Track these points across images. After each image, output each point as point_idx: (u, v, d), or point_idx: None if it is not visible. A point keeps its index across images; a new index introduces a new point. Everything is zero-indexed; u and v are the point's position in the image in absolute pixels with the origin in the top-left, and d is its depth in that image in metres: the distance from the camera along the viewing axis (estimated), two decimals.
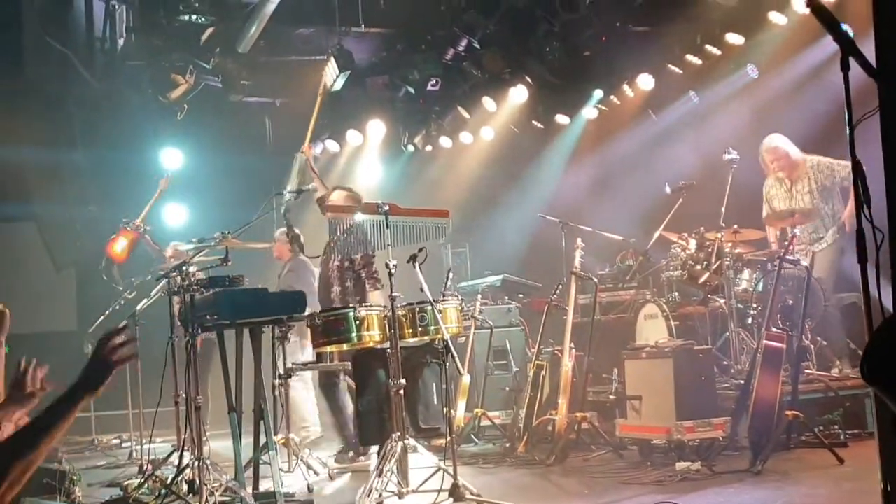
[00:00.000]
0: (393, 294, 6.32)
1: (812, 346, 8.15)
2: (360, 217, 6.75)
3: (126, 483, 7.21)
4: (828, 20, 3.88)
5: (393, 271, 6.33)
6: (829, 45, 8.40)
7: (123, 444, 10.47)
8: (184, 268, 6.51)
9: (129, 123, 11.71)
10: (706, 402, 7.22)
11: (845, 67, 3.88)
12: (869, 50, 3.84)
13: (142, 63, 11.14)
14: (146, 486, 6.96)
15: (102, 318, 9.86)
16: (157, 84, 11.11)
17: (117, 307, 9.54)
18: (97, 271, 11.04)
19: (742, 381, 7.24)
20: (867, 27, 3.95)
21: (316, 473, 7.53)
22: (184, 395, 7.00)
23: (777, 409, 6.70)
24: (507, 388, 9.30)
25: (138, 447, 8.92)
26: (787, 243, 7.40)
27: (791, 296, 8.10)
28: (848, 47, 3.85)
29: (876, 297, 3.73)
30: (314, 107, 10.27)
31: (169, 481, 6.58)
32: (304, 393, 9.57)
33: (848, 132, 3.88)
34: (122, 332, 2.89)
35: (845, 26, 3.93)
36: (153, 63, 11.03)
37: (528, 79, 11.39)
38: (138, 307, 8.68)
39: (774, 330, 6.94)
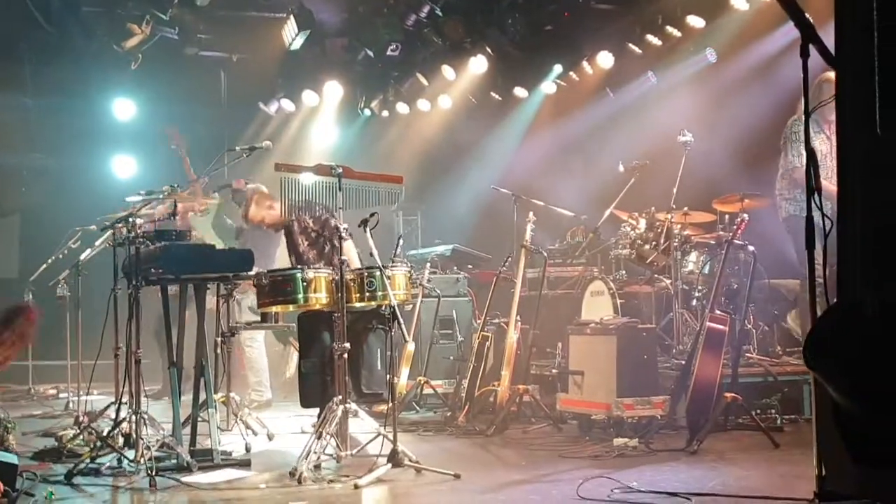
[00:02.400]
0: (341, 258, 6.27)
1: (754, 331, 8.26)
2: (310, 178, 6.67)
3: (61, 434, 7.11)
4: (790, 6, 3.89)
5: (344, 235, 6.28)
6: (788, 33, 8.52)
7: (60, 395, 10.33)
8: (130, 219, 6.39)
9: (82, 71, 11.47)
10: (647, 380, 7.29)
11: (805, 54, 3.90)
12: (829, 40, 3.86)
13: (98, 10, 10.92)
14: (81, 437, 6.87)
15: (45, 266, 9.70)
16: (113, 32, 10.89)
17: (60, 256, 9.37)
18: (41, 219, 10.85)
19: (683, 362, 7.32)
20: (827, 19, 3.97)
21: (254, 433, 7.49)
22: (123, 348, 6.90)
23: (716, 390, 6.78)
24: (452, 358, 9.32)
25: (75, 398, 8.80)
26: (735, 227, 7.46)
27: (736, 279, 8.19)
28: (808, 34, 3.87)
29: (821, 284, 3.77)
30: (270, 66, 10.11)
31: (105, 434, 6.50)
32: (260, 354, 9.53)
33: (804, 120, 3.91)
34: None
35: (806, 13, 3.94)
36: (109, 10, 10.83)
37: (489, 49, 11.36)
38: (81, 257, 8.53)
39: (718, 312, 7.01)
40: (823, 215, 3.75)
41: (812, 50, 3.87)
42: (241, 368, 9.44)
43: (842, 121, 3.70)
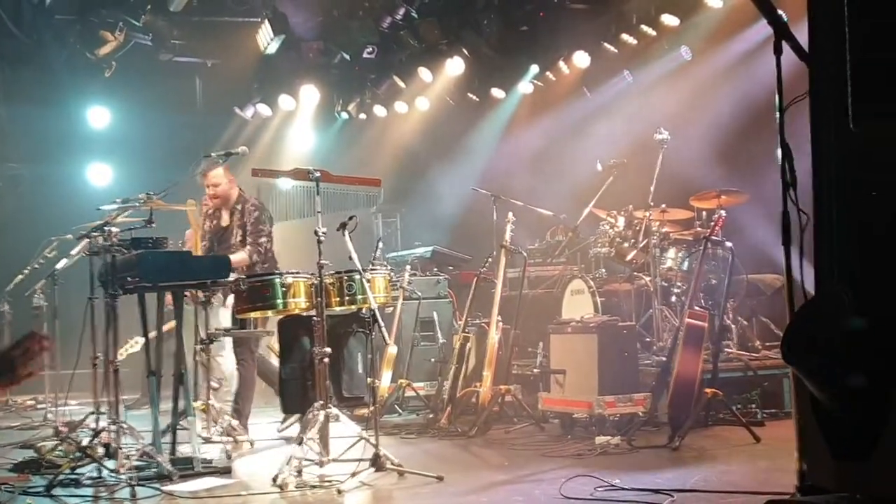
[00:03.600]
0: (321, 262, 6.25)
1: (733, 326, 8.29)
2: (288, 183, 6.65)
3: (40, 445, 7.06)
4: (763, 3, 3.90)
5: (322, 238, 6.25)
6: (762, 31, 8.56)
7: (38, 406, 10.24)
8: (106, 228, 6.34)
9: (55, 79, 11.39)
10: (628, 377, 7.31)
11: (778, 51, 3.91)
12: (802, 36, 3.87)
13: (70, 17, 10.85)
14: (61, 448, 6.81)
15: (21, 276, 9.63)
16: (86, 40, 10.82)
17: (36, 266, 9.30)
18: (16, 228, 10.76)
19: (664, 359, 7.34)
20: (800, 15, 3.98)
21: (235, 441, 7.44)
22: (101, 357, 6.84)
23: (697, 386, 6.80)
24: (433, 360, 9.29)
25: (53, 409, 8.73)
26: (713, 223, 7.48)
27: (715, 275, 8.22)
28: (781, 31, 3.88)
29: (798, 280, 3.78)
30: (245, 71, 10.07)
31: (84, 444, 6.45)
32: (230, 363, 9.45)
33: (778, 116, 3.92)
34: (43, 340, 2.78)
35: (779, 11, 3.95)
36: (82, 18, 10.74)
37: (465, 51, 11.36)
38: (58, 266, 8.46)
39: (697, 309, 7.04)
40: (799, 210, 3.76)
41: (785, 46, 3.88)
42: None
43: (815, 116, 3.71)
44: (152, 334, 6.99)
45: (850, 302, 3.13)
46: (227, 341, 8.14)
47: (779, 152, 3.84)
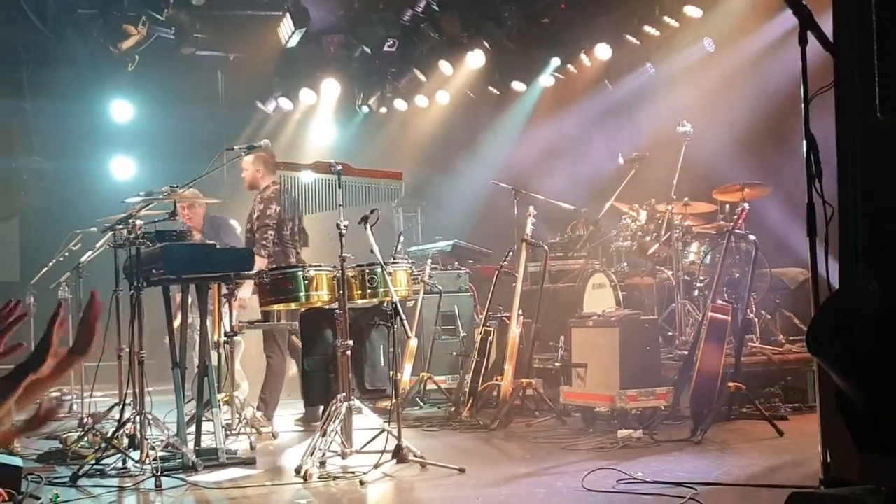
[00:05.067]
0: (343, 255, 6.27)
1: (756, 320, 8.26)
2: (310, 176, 6.67)
3: (66, 436, 7.12)
4: None
5: (344, 232, 6.26)
6: (786, 21, 8.51)
7: (64, 398, 10.31)
8: (130, 220, 6.38)
9: (79, 74, 11.48)
10: (650, 371, 7.29)
11: (803, 42, 3.89)
12: (827, 26, 3.85)
13: (93, 12, 10.91)
14: (86, 439, 6.87)
15: (46, 269, 9.68)
16: (109, 34, 10.89)
17: (61, 258, 9.36)
18: (41, 222, 10.84)
19: (686, 352, 7.31)
20: (825, 5, 3.96)
21: (258, 432, 7.49)
22: (127, 350, 6.89)
23: (719, 380, 6.78)
24: (454, 353, 9.31)
25: (79, 400, 8.80)
26: (736, 217, 7.45)
27: (738, 269, 8.18)
28: (806, 21, 3.86)
29: (823, 272, 3.77)
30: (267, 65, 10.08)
31: (109, 435, 6.50)
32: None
33: (803, 107, 3.90)
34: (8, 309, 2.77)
35: (804, 1, 3.93)
36: (105, 12, 10.80)
37: (486, 44, 11.34)
38: (83, 259, 8.52)
39: (720, 302, 7.01)
40: (825, 202, 3.74)
41: (810, 37, 3.86)
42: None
43: (840, 107, 3.69)
44: (176, 324, 7.05)
45: (876, 293, 3.12)
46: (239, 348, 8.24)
47: (804, 144, 3.82)
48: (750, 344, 7.98)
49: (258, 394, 8.20)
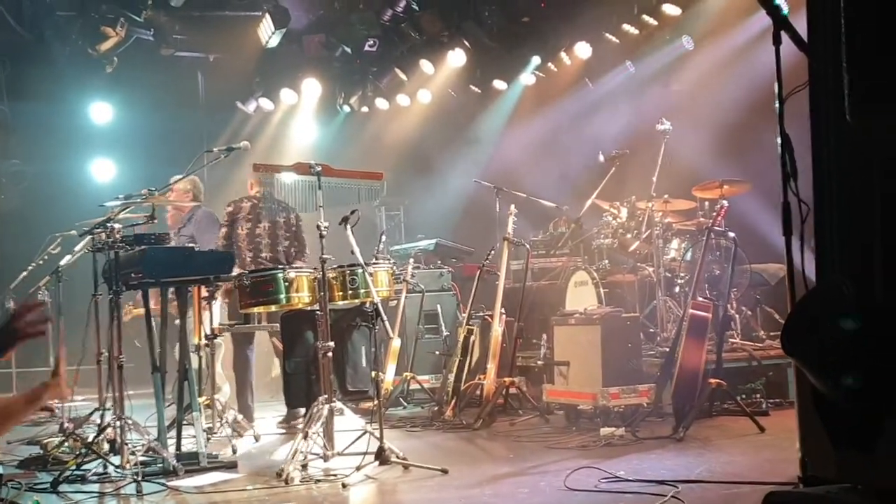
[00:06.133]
0: (323, 256, 6.25)
1: (737, 316, 8.29)
2: (290, 177, 6.65)
3: (46, 441, 7.07)
4: None
5: (324, 233, 6.25)
6: (763, 20, 8.54)
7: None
8: (108, 224, 6.35)
9: (58, 76, 11.41)
10: (632, 369, 7.30)
11: (777, 41, 3.90)
12: (801, 26, 3.86)
13: (71, 14, 10.85)
14: (66, 444, 6.83)
15: (25, 273, 9.63)
16: (87, 36, 10.84)
17: (40, 262, 9.30)
18: (19, 225, 10.76)
19: (668, 349, 7.33)
20: (800, 5, 3.97)
21: (240, 435, 7.47)
22: (106, 354, 6.86)
23: (701, 377, 6.80)
24: (437, 353, 9.31)
25: (59, 405, 8.74)
26: (715, 214, 7.48)
27: (718, 265, 8.21)
28: (780, 21, 3.87)
29: (800, 270, 3.77)
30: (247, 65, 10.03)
31: (90, 440, 6.47)
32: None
33: (777, 106, 3.91)
34: (39, 307, 2.80)
35: (779, 1, 3.94)
36: (83, 14, 10.75)
37: (467, 42, 11.34)
38: (61, 263, 8.47)
39: (700, 299, 7.03)
40: (800, 201, 3.75)
41: (784, 37, 3.87)
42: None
43: (814, 106, 3.70)
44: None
45: (851, 293, 3.13)
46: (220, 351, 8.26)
47: (779, 142, 3.83)
48: (731, 340, 8.01)
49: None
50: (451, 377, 8.22)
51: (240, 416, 7.78)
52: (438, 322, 9.55)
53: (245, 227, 8.23)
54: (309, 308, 6.71)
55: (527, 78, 12.02)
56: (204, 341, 7.43)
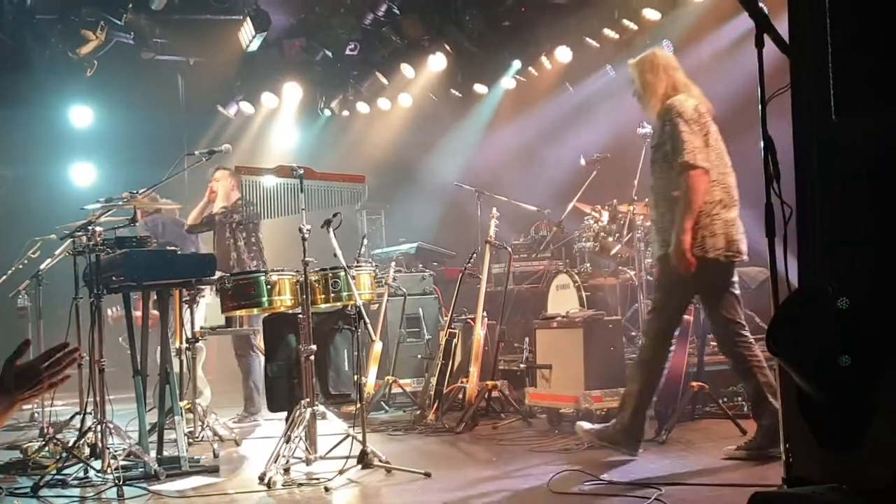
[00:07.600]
0: (305, 259, 6.24)
1: None
2: (272, 181, 6.63)
3: (26, 446, 7.03)
4: None
5: (307, 236, 6.23)
6: (744, 23, 8.58)
7: (24, 406, 10.18)
8: (89, 227, 6.31)
9: (38, 79, 11.32)
10: (614, 371, 7.31)
11: (759, 44, 3.92)
12: (783, 29, 3.89)
13: (51, 17, 10.78)
14: (47, 449, 6.78)
15: (4, 277, 9.57)
16: (67, 39, 10.77)
17: (20, 266, 9.24)
18: None
19: None
20: (781, 7, 3.99)
21: (221, 439, 7.43)
22: (87, 358, 6.81)
23: (683, 380, 6.82)
24: (419, 356, 9.31)
25: (39, 409, 8.69)
26: None
27: None
28: (763, 24, 3.89)
29: (783, 272, 3.79)
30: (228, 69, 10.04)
31: (70, 445, 6.42)
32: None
33: (760, 108, 3.93)
34: (71, 353, 2.70)
35: (760, 3, 3.96)
36: (63, 17, 10.69)
37: (447, 47, 11.37)
38: (42, 266, 8.42)
39: None
40: (783, 202, 3.77)
41: (767, 39, 3.90)
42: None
43: (797, 108, 3.72)
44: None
45: (835, 293, 3.15)
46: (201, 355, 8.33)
47: (761, 145, 3.85)
48: (712, 343, 8.02)
49: (224, 399, 8.24)
50: (434, 381, 8.22)
51: (221, 420, 7.76)
52: (420, 325, 9.55)
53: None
54: (291, 311, 6.69)
55: (508, 82, 12.05)
56: (185, 345, 7.39)
